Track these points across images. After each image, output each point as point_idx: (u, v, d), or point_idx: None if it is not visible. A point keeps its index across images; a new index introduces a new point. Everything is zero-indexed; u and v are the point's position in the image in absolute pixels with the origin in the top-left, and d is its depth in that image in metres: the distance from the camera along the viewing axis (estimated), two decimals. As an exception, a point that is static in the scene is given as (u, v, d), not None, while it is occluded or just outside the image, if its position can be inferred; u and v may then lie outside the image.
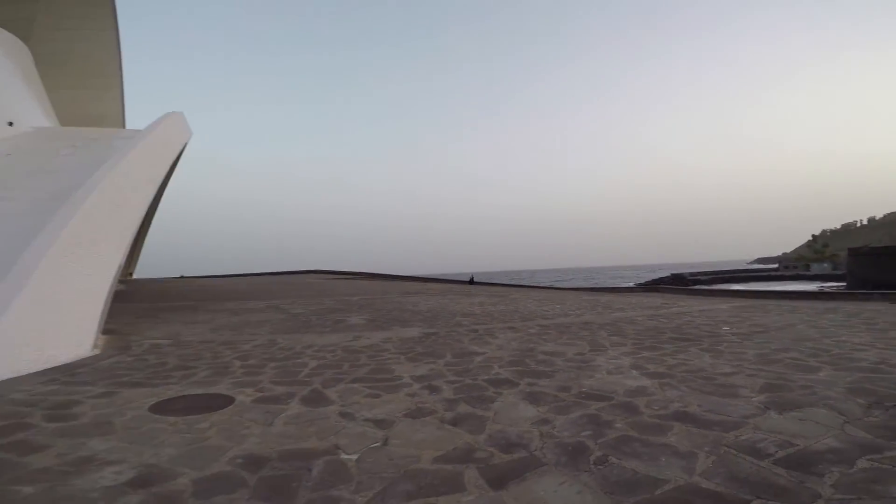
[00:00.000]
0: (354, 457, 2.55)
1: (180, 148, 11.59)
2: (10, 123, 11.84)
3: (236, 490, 2.17)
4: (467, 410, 3.29)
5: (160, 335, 6.73)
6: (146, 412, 3.29)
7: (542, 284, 27.58)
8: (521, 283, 27.18)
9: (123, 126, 23.70)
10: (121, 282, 10.41)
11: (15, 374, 4.16)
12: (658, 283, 51.17)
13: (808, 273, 71.48)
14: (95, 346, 5.40)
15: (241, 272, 41.73)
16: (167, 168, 10.05)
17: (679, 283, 53.06)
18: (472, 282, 23.91)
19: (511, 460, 2.44)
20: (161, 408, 3.39)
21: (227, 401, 3.58)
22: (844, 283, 43.47)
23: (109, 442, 2.71)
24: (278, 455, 2.57)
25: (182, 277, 34.78)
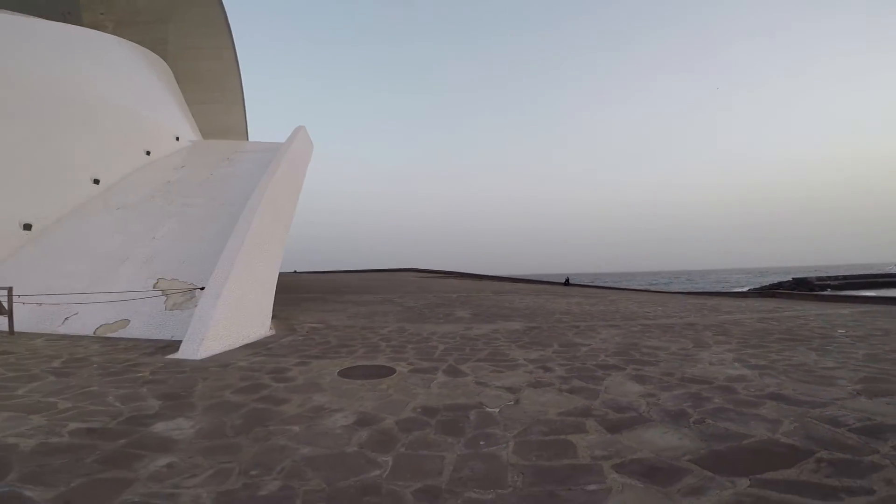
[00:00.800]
0: (496, 410, 3.46)
1: (310, 159, 13.39)
2: (177, 138, 14.51)
3: (425, 428, 3.14)
4: (580, 385, 4.07)
5: (312, 320, 8.25)
6: (337, 377, 4.47)
7: (638, 287, 26.95)
8: (619, 286, 26.76)
9: (247, 136, 26.97)
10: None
11: (228, 348, 5.65)
12: (776, 287, 46.70)
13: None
14: (271, 328, 6.94)
15: (341, 269, 45.08)
16: (304, 177, 11.80)
17: (802, 287, 47.93)
18: (567, 283, 24.12)
19: (623, 417, 3.20)
20: (346, 374, 4.57)
21: (390, 371, 4.69)
22: None
23: (326, 396, 3.84)
24: (443, 407, 3.55)
25: (296, 272, 38.61)
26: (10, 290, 6.13)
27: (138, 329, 6.56)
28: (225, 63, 23.10)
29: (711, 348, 5.66)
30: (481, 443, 2.86)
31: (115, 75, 13.22)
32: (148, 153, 12.28)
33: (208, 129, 22.91)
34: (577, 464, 2.50)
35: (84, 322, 6.62)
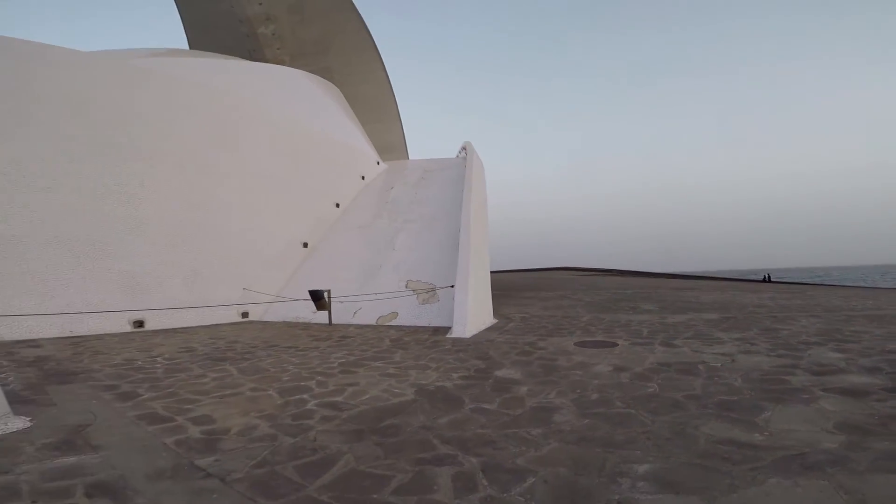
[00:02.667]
0: (718, 364, 5.03)
1: (483, 171, 15.68)
2: (378, 162, 18.07)
3: (667, 372, 4.84)
4: (786, 353, 5.40)
5: (515, 312, 10.42)
6: (575, 346, 6.41)
7: (840, 283, 24.48)
8: (821, 283, 24.68)
9: (407, 152, 30.73)
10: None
11: (479, 330, 7.98)
12: None
13: None
14: (494, 317, 9.23)
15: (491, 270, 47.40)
16: (485, 190, 14.14)
17: None
18: (767, 280, 23.15)
19: (824, 369, 4.56)
20: (581, 345, 6.49)
21: (613, 343, 6.48)
22: None
23: (580, 357, 5.76)
24: (674, 362, 5.23)
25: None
26: (328, 291, 9.36)
27: (404, 319, 9.33)
28: (379, 85, 25.97)
29: (922, 332, 6.34)
30: (715, 378, 4.50)
31: (320, 108, 17.06)
32: (363, 178, 15.85)
33: (376, 148, 26.65)
34: (791, 388, 4.03)
35: (367, 314, 9.62)
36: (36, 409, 3.57)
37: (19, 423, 3.16)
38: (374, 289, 10.15)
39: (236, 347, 6.89)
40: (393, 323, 9.26)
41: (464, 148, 18.48)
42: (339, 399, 4.27)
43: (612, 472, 2.61)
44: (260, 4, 20.80)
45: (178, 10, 22.48)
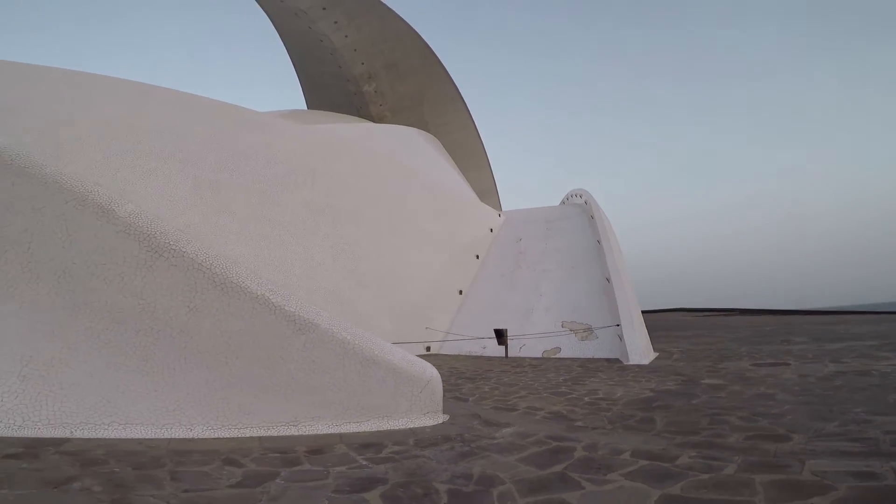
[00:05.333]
0: (890, 370, 6.92)
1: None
2: (500, 214, 20.79)
3: (846, 375, 6.83)
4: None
5: (669, 348, 12.35)
6: (751, 366, 8.37)
7: None
8: None
9: (498, 197, 33.47)
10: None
11: (653, 359, 10.07)
12: None
13: None
14: (654, 351, 11.26)
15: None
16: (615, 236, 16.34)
17: None
18: None
19: None
20: (756, 366, 8.46)
21: (786, 363, 8.41)
22: None
23: (764, 371, 7.81)
24: (850, 371, 7.20)
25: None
26: (505, 330, 11.86)
27: (567, 353, 11.61)
28: (469, 133, 28.81)
29: None
30: (891, 377, 6.43)
31: (437, 163, 20.25)
32: (491, 230, 18.61)
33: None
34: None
35: (531, 349, 12.00)
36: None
37: (446, 416, 5.48)
38: (530, 329, 12.55)
39: (465, 372, 9.42)
40: (559, 356, 11.53)
41: (578, 195, 20.76)
42: (600, 396, 6.52)
43: (840, 411, 4.78)
44: (363, 64, 24.47)
45: (297, 74, 27.07)
